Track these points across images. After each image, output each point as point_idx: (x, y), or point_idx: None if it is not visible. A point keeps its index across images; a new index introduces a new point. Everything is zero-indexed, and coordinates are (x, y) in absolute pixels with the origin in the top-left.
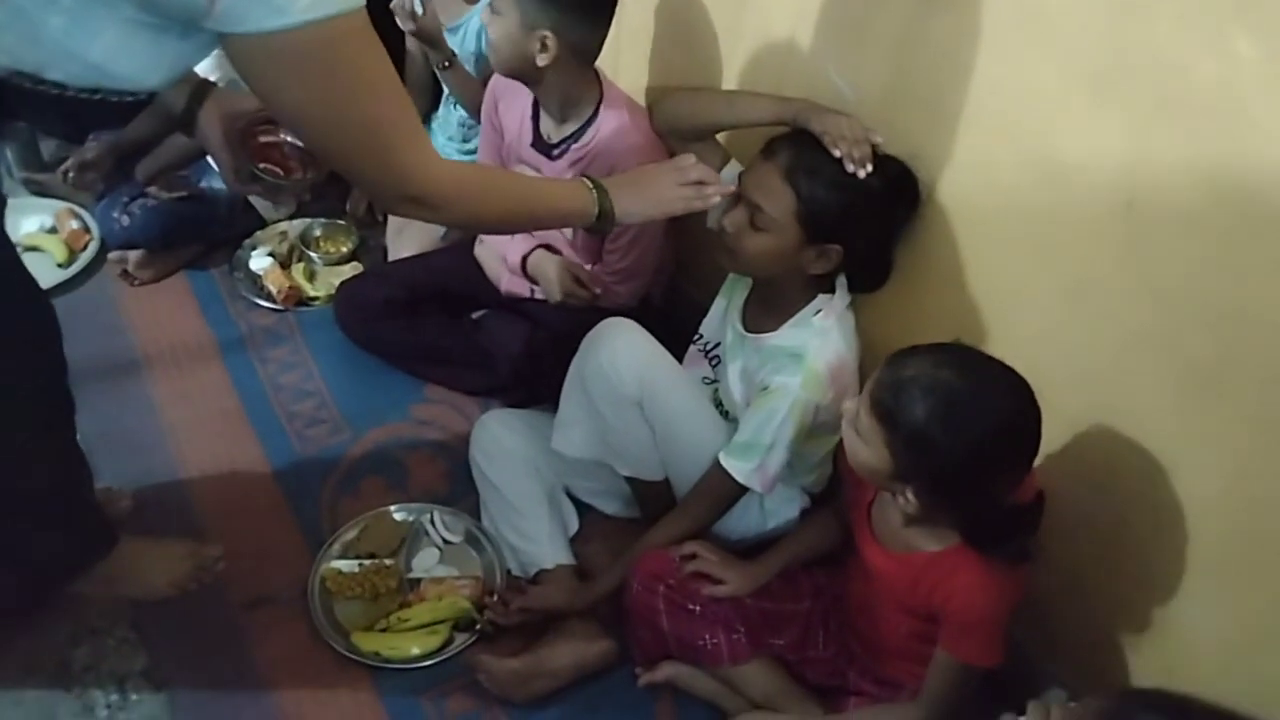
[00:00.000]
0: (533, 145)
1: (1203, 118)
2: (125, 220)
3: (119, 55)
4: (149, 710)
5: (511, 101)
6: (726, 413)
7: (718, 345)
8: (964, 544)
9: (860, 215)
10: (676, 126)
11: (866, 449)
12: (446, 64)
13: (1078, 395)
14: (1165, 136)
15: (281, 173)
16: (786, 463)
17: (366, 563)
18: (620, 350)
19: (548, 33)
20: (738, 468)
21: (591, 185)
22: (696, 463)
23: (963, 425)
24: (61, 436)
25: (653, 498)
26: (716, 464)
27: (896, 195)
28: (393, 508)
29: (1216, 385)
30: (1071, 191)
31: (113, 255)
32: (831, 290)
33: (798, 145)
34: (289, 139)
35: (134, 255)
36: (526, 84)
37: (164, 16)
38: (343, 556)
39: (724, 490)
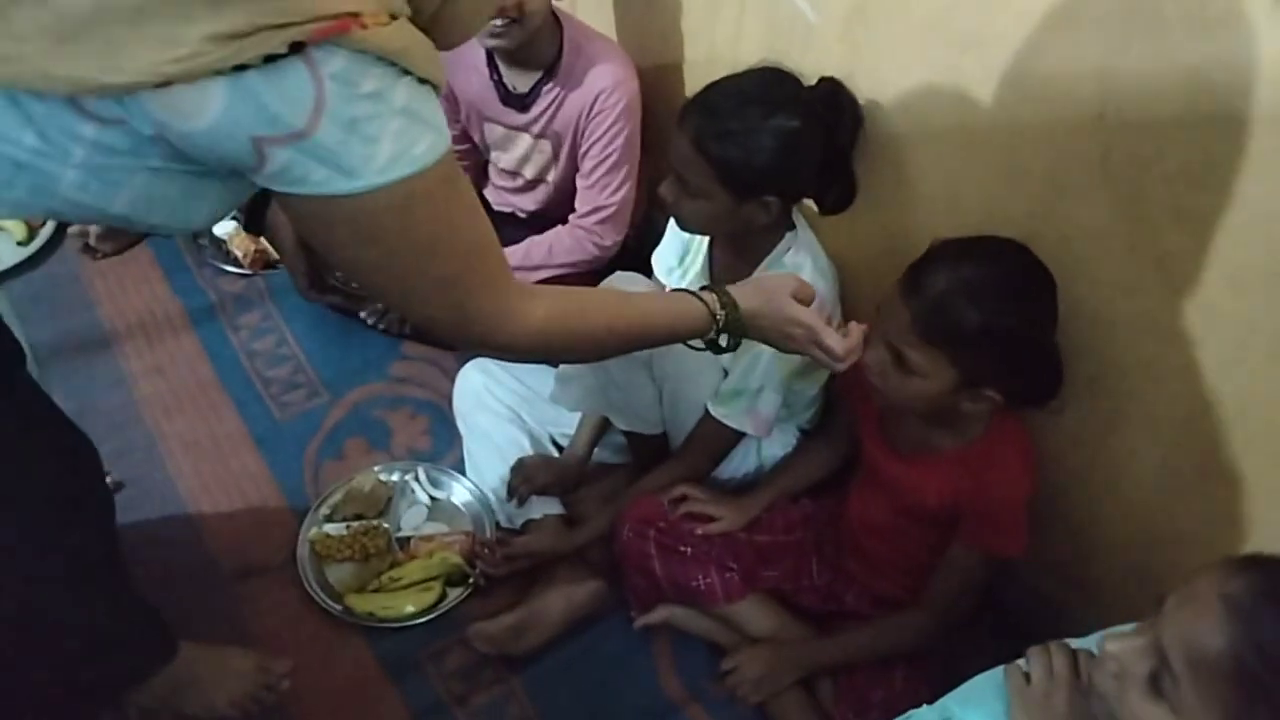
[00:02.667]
0: (502, 102)
1: (1173, 27)
2: None
3: (149, 206)
4: None
5: (457, 64)
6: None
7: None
8: (991, 430)
9: (784, 161)
10: None
11: (923, 380)
12: None
13: None
14: (1137, 45)
15: None
16: (781, 403)
17: (354, 524)
18: None
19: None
20: (726, 414)
21: (711, 300)
22: (698, 418)
23: (1010, 299)
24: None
25: (648, 448)
26: (708, 412)
27: (824, 121)
28: (377, 468)
29: (1186, 276)
30: (1042, 104)
31: (72, 230)
32: (793, 226)
33: (703, 110)
34: None
35: (94, 228)
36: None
37: (200, 164)
38: (330, 520)
39: (720, 437)
